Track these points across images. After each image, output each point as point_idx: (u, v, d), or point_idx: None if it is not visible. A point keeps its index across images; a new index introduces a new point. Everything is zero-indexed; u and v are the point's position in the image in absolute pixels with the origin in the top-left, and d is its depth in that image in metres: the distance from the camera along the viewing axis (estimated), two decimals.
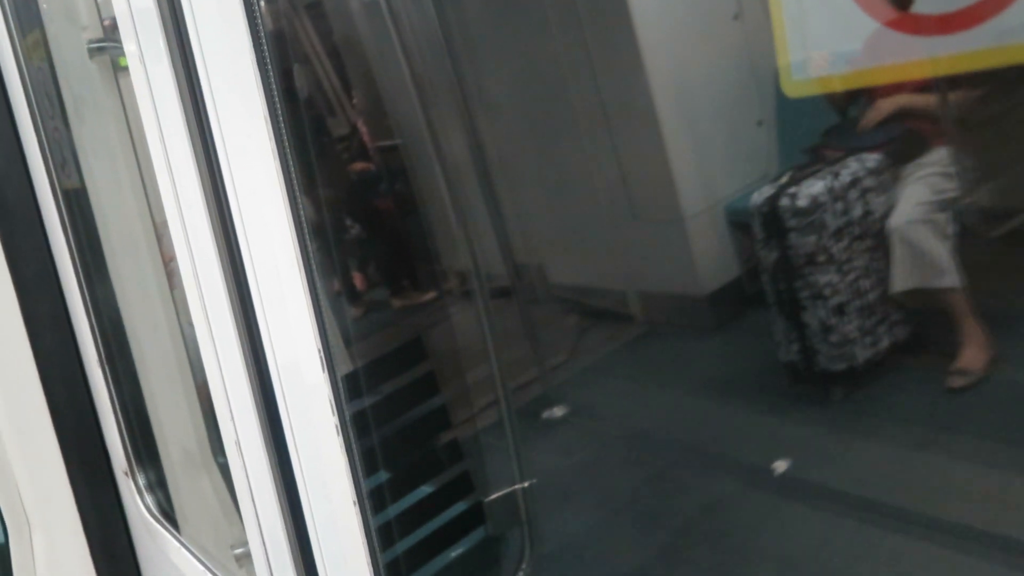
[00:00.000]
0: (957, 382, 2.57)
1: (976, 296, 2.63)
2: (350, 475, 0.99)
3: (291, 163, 0.97)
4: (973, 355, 2.60)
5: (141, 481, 1.85)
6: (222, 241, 1.10)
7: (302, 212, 0.99)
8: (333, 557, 1.07)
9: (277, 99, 0.95)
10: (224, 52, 1.01)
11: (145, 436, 1.89)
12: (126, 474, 1.86)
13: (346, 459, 0.99)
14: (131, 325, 1.88)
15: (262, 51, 0.95)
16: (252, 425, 1.14)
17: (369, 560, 1.01)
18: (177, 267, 1.95)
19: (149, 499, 1.84)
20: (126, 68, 1.92)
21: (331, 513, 1.05)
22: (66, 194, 1.80)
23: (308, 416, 1.03)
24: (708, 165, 3.52)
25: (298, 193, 0.99)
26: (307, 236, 0.99)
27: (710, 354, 3.46)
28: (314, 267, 0.99)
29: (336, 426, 0.98)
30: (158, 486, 1.87)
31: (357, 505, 0.99)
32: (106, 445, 1.91)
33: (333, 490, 1.01)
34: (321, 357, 0.98)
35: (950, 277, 2.65)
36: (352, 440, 0.99)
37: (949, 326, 2.66)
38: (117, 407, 1.82)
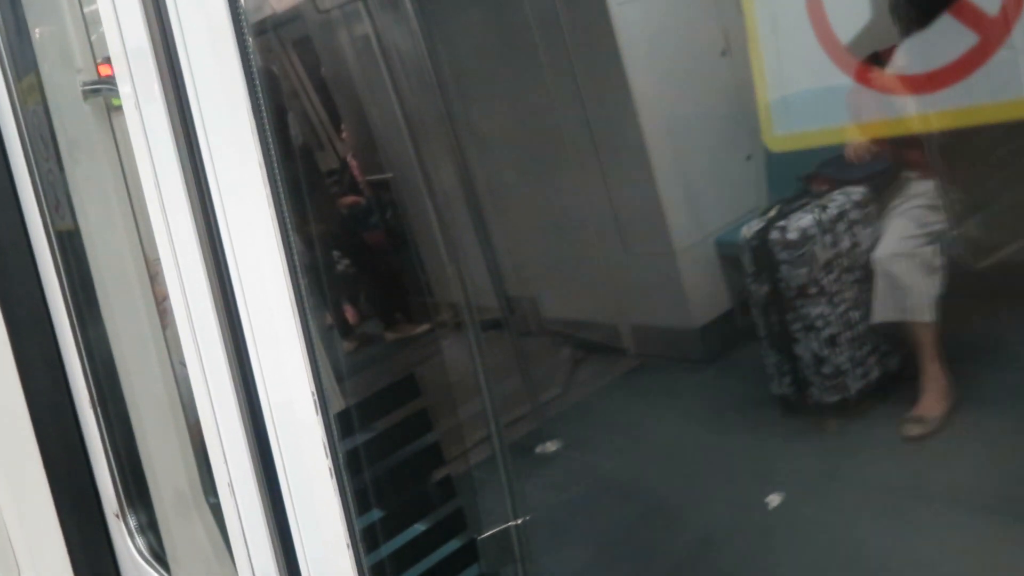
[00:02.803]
0: (912, 430, 2.58)
1: (945, 339, 2.65)
2: (344, 517, 0.98)
3: (284, 203, 0.98)
4: (932, 402, 2.61)
5: (132, 523, 1.84)
6: (216, 282, 1.11)
7: (295, 253, 0.99)
8: None
9: (271, 139, 0.96)
10: (218, 92, 1.02)
11: (136, 478, 1.87)
12: (117, 516, 1.84)
13: (340, 501, 0.99)
14: (123, 366, 1.87)
15: (255, 91, 0.96)
16: (245, 467, 1.13)
17: None
18: (170, 306, 1.95)
19: (140, 541, 1.82)
20: (120, 108, 1.93)
21: (325, 556, 1.05)
22: (59, 235, 1.80)
23: (301, 458, 1.03)
24: (698, 199, 3.54)
25: (292, 234, 0.99)
26: (300, 277, 0.99)
27: (702, 387, 3.46)
28: (307, 308, 0.99)
29: (330, 469, 0.98)
30: (149, 528, 1.86)
31: (351, 548, 0.98)
32: (97, 487, 1.90)
33: (327, 532, 1.01)
34: (315, 399, 0.98)
35: (920, 312, 2.67)
36: (346, 482, 0.99)
37: (915, 367, 2.68)
38: (108, 448, 1.81)
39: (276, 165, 0.98)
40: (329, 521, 1.00)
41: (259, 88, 0.98)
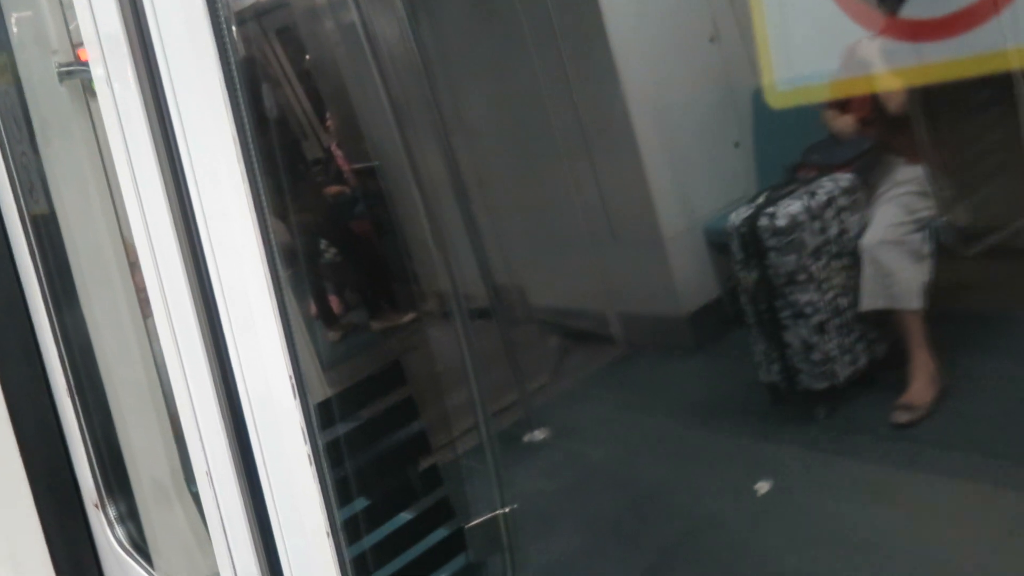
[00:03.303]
0: (901, 417, 2.58)
1: (934, 325, 2.64)
2: (323, 505, 0.96)
3: (261, 187, 0.95)
4: (920, 390, 2.61)
5: (112, 513, 1.81)
6: (191, 267, 1.08)
7: (272, 236, 0.97)
8: None
9: (246, 122, 0.94)
10: (192, 76, 0.99)
11: (116, 467, 1.85)
12: (96, 506, 1.81)
13: (319, 488, 0.96)
14: (102, 353, 1.84)
15: (231, 74, 0.94)
16: (223, 454, 1.11)
17: None
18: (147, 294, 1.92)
19: (120, 531, 1.80)
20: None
21: (304, 544, 1.02)
22: (34, 220, 1.76)
23: (280, 445, 1.01)
24: (686, 186, 3.53)
25: (268, 217, 0.97)
26: (277, 261, 0.97)
27: (691, 375, 3.45)
28: (285, 292, 0.96)
29: (308, 455, 0.96)
30: (130, 518, 1.83)
31: (331, 536, 0.96)
32: (76, 477, 1.87)
33: (306, 520, 0.99)
34: (292, 384, 0.95)
35: (908, 300, 2.67)
36: (325, 469, 0.97)
37: (903, 355, 2.67)
38: (87, 437, 1.78)
39: (253, 149, 0.95)
40: (308, 509, 0.98)
41: (235, 72, 0.95)
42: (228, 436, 1.10)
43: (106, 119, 1.17)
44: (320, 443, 0.97)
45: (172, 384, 1.19)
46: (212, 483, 1.17)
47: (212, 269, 1.04)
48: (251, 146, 0.95)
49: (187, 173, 1.03)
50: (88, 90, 1.86)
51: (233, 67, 0.95)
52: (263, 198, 0.95)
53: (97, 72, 1.17)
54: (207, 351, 1.09)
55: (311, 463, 0.96)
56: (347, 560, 0.99)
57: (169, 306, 1.13)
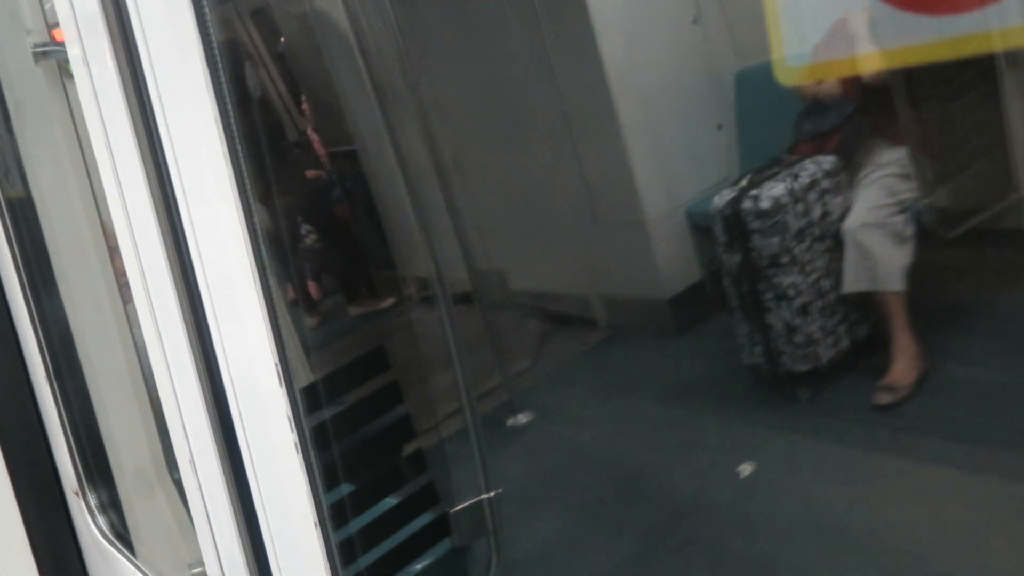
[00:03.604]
0: (883, 399, 2.59)
1: (915, 307, 2.66)
2: (310, 493, 0.95)
3: (244, 170, 0.93)
4: (902, 371, 2.63)
5: (93, 501, 1.79)
6: (172, 250, 1.06)
7: (256, 219, 0.95)
8: None
9: (228, 103, 0.91)
10: (172, 55, 0.97)
11: (97, 454, 1.82)
12: (77, 494, 1.79)
13: (306, 476, 0.95)
14: (81, 339, 1.81)
15: (212, 54, 0.91)
16: (207, 442, 1.09)
17: None
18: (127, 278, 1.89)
19: (101, 519, 1.78)
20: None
21: (291, 533, 1.01)
22: (10, 203, 1.73)
23: (265, 432, 0.99)
24: (669, 168, 3.52)
25: (251, 199, 0.95)
26: (261, 244, 0.95)
27: (673, 358, 3.45)
28: (269, 276, 0.95)
29: (295, 443, 0.94)
30: (111, 506, 1.81)
31: (318, 525, 0.95)
32: (56, 464, 1.85)
33: (293, 510, 0.97)
34: (278, 371, 0.94)
35: (890, 282, 2.68)
36: (312, 457, 0.95)
37: (886, 336, 2.69)
38: (67, 425, 1.76)
39: (235, 130, 0.93)
40: (295, 497, 0.96)
41: (216, 51, 0.93)
42: (212, 423, 1.08)
43: (83, 101, 1.15)
44: (306, 431, 0.96)
45: (154, 370, 1.17)
46: (196, 471, 1.16)
47: (195, 254, 1.02)
48: (234, 128, 0.93)
49: (168, 156, 1.01)
50: (64, 71, 1.82)
51: (214, 44, 0.92)
52: (247, 181, 0.93)
53: (73, 52, 1.14)
54: (190, 337, 1.07)
55: (298, 450, 0.95)
56: (334, 548, 0.98)
57: (150, 292, 1.11)
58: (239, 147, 0.93)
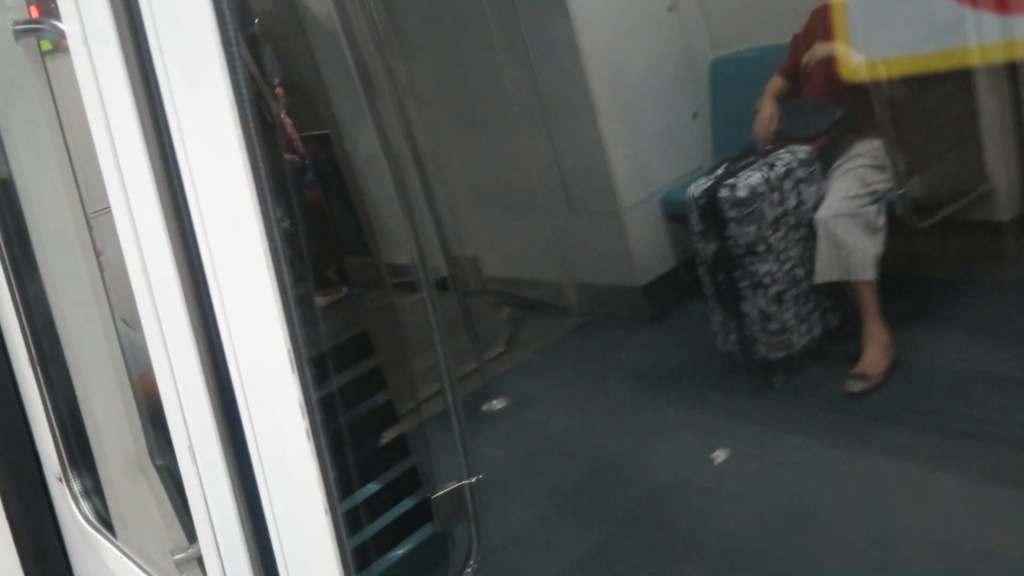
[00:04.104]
0: (855, 387, 2.64)
1: (887, 295, 2.71)
2: (322, 482, 0.94)
3: (257, 149, 0.92)
4: (874, 359, 2.68)
5: (76, 487, 1.76)
6: (175, 231, 1.04)
7: (269, 199, 0.93)
8: (301, 570, 1.03)
9: (243, 83, 0.90)
10: (183, 30, 0.94)
11: (79, 440, 1.80)
12: (60, 480, 1.77)
13: (318, 465, 0.94)
14: (63, 323, 1.78)
15: (227, 30, 0.89)
16: (208, 429, 1.08)
17: None
18: (109, 261, 1.86)
19: (85, 505, 1.75)
20: (51, 51, 1.82)
21: (300, 523, 1.00)
22: None
23: (275, 420, 0.98)
24: (644, 157, 3.54)
25: (264, 179, 0.93)
26: (275, 225, 0.94)
27: (648, 345, 3.48)
28: (283, 255, 0.93)
29: (307, 431, 0.93)
30: (94, 492, 1.79)
31: (329, 514, 0.94)
32: (37, 450, 1.82)
33: (303, 498, 0.96)
34: (291, 356, 0.93)
35: (862, 272, 2.72)
36: (324, 445, 0.94)
37: (857, 325, 2.74)
38: (49, 410, 1.73)
39: (250, 110, 0.91)
40: (305, 487, 0.95)
41: (231, 27, 0.91)
42: (214, 410, 1.06)
43: (80, 79, 1.12)
44: (318, 418, 0.95)
45: (151, 354, 1.15)
46: (195, 458, 1.14)
47: (199, 233, 1.00)
48: (248, 106, 0.91)
49: (174, 136, 0.99)
50: (43, 51, 1.78)
51: (229, 19, 0.90)
52: (260, 162, 0.91)
53: (70, 27, 1.11)
54: (191, 320, 1.05)
55: (309, 438, 0.94)
56: (346, 540, 0.97)
57: (151, 277, 1.09)
58: (252, 128, 0.92)
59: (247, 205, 0.92)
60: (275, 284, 0.93)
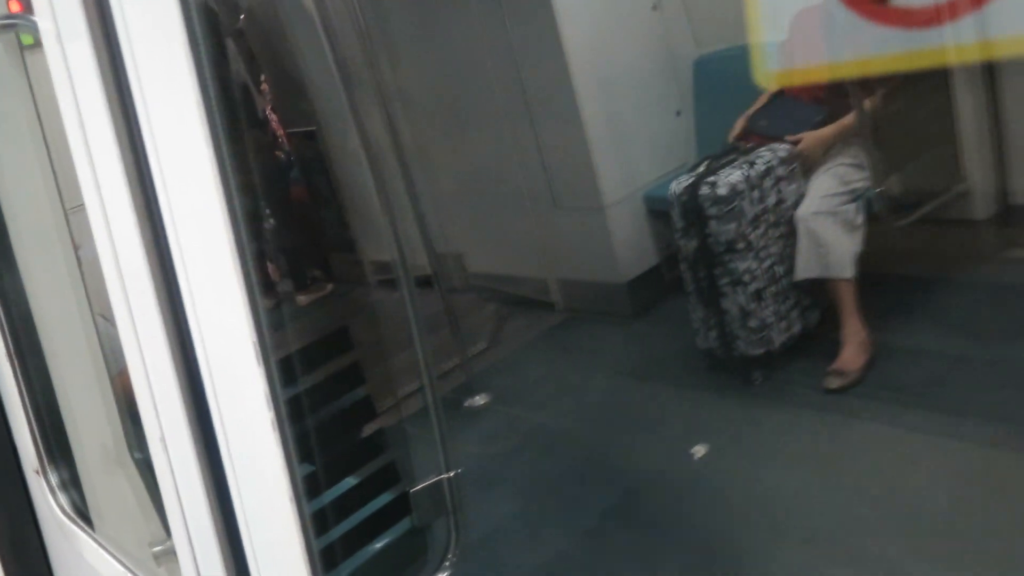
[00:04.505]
0: (832, 383, 2.67)
1: (865, 293, 2.73)
2: (287, 471, 0.96)
3: (224, 146, 0.93)
4: (851, 356, 2.71)
5: (54, 480, 1.77)
6: (147, 227, 1.05)
7: (235, 193, 0.95)
8: (268, 559, 1.05)
9: (209, 80, 0.91)
10: (151, 26, 0.96)
11: (57, 432, 1.80)
12: (37, 472, 1.77)
13: (282, 454, 0.96)
14: (41, 316, 1.79)
15: (193, 28, 0.91)
16: (179, 421, 1.09)
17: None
18: (86, 255, 1.86)
19: (63, 498, 1.76)
20: (32, 46, 1.82)
21: (266, 511, 1.02)
22: None
23: (242, 411, 1.00)
24: (628, 154, 3.56)
25: (231, 176, 0.95)
26: (240, 219, 0.95)
27: (629, 341, 3.50)
28: (248, 253, 0.95)
29: (272, 421, 0.95)
30: (72, 484, 1.79)
31: (294, 502, 0.96)
32: (15, 442, 1.82)
33: (269, 487, 0.98)
34: (256, 348, 0.95)
35: (841, 269, 2.75)
36: (289, 436, 0.96)
37: (836, 321, 2.76)
38: (27, 402, 1.74)
39: (216, 107, 0.93)
40: (271, 476, 0.97)
41: (198, 24, 0.92)
42: (185, 402, 1.08)
43: (54, 73, 1.13)
44: (283, 409, 0.97)
45: (124, 348, 1.17)
46: (167, 449, 1.16)
47: (169, 228, 1.01)
48: (214, 102, 0.93)
49: (144, 131, 1.00)
50: (23, 46, 1.79)
51: (195, 17, 0.92)
52: (227, 159, 0.93)
53: (44, 24, 1.12)
54: (163, 314, 1.07)
55: (274, 428, 0.96)
56: (310, 527, 0.99)
57: (123, 270, 1.11)
58: (220, 122, 0.93)
59: (214, 202, 0.94)
60: (241, 279, 0.95)
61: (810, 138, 2.86)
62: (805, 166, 2.86)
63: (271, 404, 0.95)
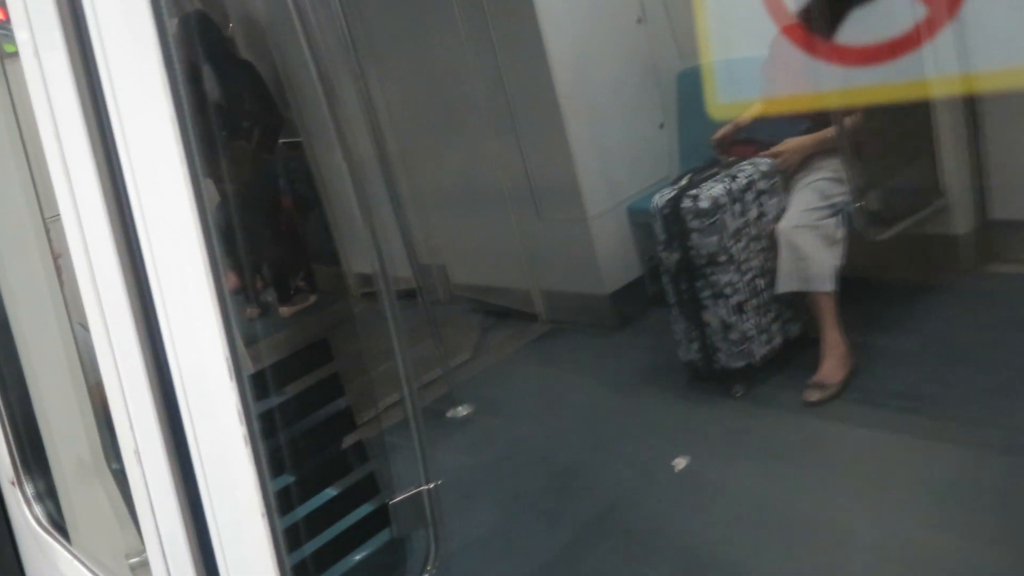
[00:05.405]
0: (812, 396, 2.68)
1: (845, 306, 2.75)
2: (259, 486, 0.96)
3: (197, 162, 0.94)
4: (832, 369, 2.72)
5: (29, 491, 1.76)
6: (122, 241, 1.05)
7: (208, 211, 0.95)
8: (240, 573, 1.04)
9: (182, 92, 0.92)
10: (126, 39, 0.96)
11: (33, 443, 1.79)
12: (13, 484, 1.76)
13: (254, 469, 0.96)
14: (19, 326, 1.78)
15: (166, 38, 0.91)
16: (153, 433, 1.09)
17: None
18: (66, 264, 1.86)
19: (38, 509, 1.75)
20: (14, 55, 1.82)
21: (238, 524, 1.02)
22: None
23: (214, 425, 1.00)
24: (612, 166, 3.57)
25: (204, 191, 0.95)
26: (213, 236, 0.95)
27: (612, 353, 3.51)
28: (221, 269, 0.95)
29: (244, 436, 0.95)
30: (48, 495, 1.78)
31: (266, 517, 0.96)
32: None
33: (241, 501, 0.98)
34: (228, 364, 0.95)
35: (822, 283, 2.77)
36: (260, 450, 0.96)
37: (816, 335, 2.78)
38: (3, 413, 1.73)
39: (189, 120, 0.93)
40: (243, 489, 0.97)
41: (169, 36, 0.93)
42: (159, 414, 1.08)
43: (30, 84, 1.13)
44: (256, 424, 0.97)
45: (99, 360, 1.17)
46: (141, 462, 1.15)
47: (144, 244, 1.02)
48: (187, 116, 0.93)
49: (119, 143, 1.01)
50: (3, 53, 1.79)
51: (167, 27, 0.92)
52: (199, 170, 0.93)
53: (21, 35, 1.12)
54: (137, 327, 1.06)
55: (246, 443, 0.96)
56: (281, 539, 0.99)
57: (98, 283, 1.11)
58: (192, 140, 0.94)
59: (187, 214, 0.94)
60: (215, 294, 0.95)
61: (790, 144, 2.87)
62: (785, 173, 2.87)
63: (243, 418, 0.95)
